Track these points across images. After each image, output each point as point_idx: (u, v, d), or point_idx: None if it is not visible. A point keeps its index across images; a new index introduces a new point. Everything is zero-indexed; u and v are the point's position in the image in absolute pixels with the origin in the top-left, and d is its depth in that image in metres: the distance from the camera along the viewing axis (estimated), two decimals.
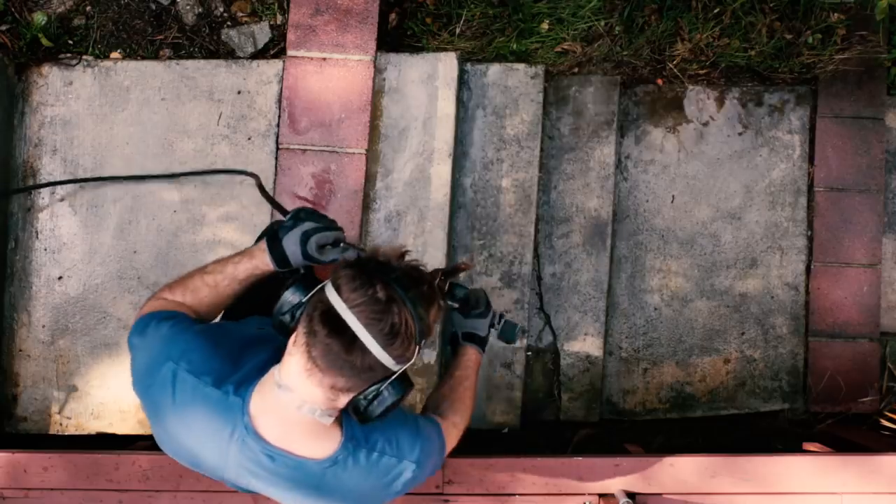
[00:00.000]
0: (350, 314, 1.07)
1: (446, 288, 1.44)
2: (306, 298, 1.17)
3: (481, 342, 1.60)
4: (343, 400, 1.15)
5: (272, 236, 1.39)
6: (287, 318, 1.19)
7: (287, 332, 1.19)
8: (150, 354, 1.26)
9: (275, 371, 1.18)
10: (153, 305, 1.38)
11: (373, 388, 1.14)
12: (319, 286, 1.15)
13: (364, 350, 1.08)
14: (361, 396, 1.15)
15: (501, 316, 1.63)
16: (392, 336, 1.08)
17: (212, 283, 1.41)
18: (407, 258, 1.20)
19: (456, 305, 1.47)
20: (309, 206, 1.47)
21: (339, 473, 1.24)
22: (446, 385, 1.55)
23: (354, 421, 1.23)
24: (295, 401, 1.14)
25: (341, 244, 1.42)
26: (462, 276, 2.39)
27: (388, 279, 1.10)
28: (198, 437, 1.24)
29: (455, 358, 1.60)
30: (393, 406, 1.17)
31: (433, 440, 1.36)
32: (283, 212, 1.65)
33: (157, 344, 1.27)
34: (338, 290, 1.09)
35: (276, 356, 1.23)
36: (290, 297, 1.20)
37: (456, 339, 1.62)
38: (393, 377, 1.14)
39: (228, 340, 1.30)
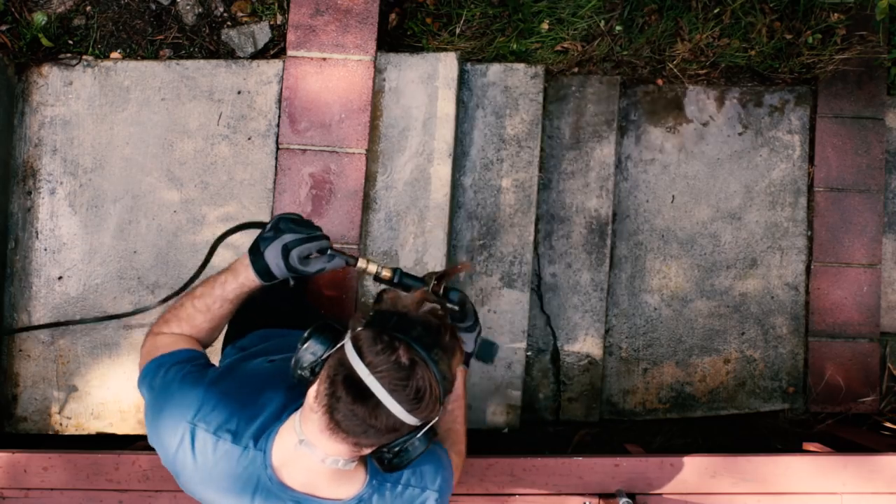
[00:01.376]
0: (373, 380, 1.06)
1: (441, 292, 1.41)
2: (325, 356, 1.14)
3: (467, 358, 1.57)
4: (367, 451, 1.15)
5: (254, 249, 1.34)
6: (307, 373, 1.17)
7: (307, 384, 1.17)
8: (164, 412, 1.26)
9: (294, 423, 1.17)
10: (154, 343, 1.36)
11: (397, 442, 1.14)
12: (339, 345, 1.12)
13: (388, 414, 1.07)
14: (385, 450, 1.15)
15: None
16: (417, 401, 1.08)
17: (203, 308, 1.38)
18: (426, 299, 1.16)
19: (456, 308, 1.45)
20: (292, 212, 1.41)
21: None
22: (441, 420, 1.52)
23: None
24: (318, 454, 1.14)
25: (328, 252, 1.36)
26: (462, 276, 2.38)
27: (409, 339, 1.08)
28: (224, 493, 1.25)
29: None
30: (417, 458, 1.17)
31: (449, 469, 1.37)
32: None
33: (170, 401, 1.26)
34: (359, 352, 1.08)
35: (291, 396, 1.23)
36: (310, 350, 1.16)
37: None
38: (419, 433, 1.14)
39: (242, 386, 1.28)
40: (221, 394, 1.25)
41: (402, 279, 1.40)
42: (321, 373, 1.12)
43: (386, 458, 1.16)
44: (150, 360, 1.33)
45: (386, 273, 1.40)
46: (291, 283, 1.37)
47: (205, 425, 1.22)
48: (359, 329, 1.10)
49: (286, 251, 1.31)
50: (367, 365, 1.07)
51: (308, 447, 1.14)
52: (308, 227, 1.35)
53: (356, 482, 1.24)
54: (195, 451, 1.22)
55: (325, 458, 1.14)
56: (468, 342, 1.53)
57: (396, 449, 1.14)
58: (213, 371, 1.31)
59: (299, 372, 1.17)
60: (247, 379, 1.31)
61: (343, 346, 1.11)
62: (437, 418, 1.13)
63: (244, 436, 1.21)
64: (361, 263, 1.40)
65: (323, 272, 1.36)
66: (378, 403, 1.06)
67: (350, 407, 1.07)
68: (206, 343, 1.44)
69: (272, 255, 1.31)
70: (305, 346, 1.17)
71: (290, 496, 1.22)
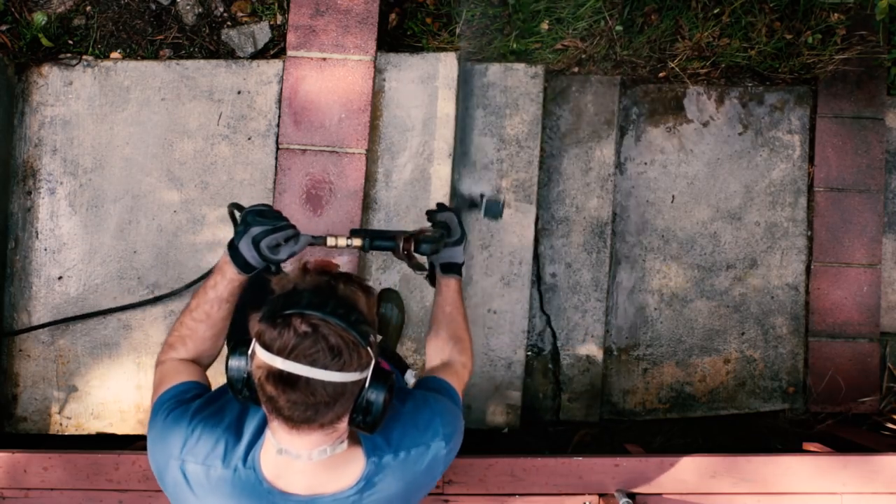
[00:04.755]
0: (289, 363, 1.07)
1: (412, 248, 1.46)
2: (249, 366, 1.16)
3: (459, 269, 1.59)
4: (342, 425, 1.15)
5: (231, 245, 1.40)
6: (246, 391, 1.18)
7: (257, 401, 1.17)
8: (157, 455, 1.28)
9: (268, 436, 1.18)
10: (160, 373, 1.38)
11: (358, 404, 1.14)
12: (251, 349, 1.14)
13: (324, 384, 1.07)
14: (355, 414, 1.15)
15: (482, 196, 1.59)
16: (337, 357, 1.08)
17: (203, 317, 1.41)
18: (308, 267, 1.19)
19: (425, 269, 1.47)
20: (261, 203, 1.47)
21: (377, 486, 1.24)
22: (442, 327, 1.54)
23: None
24: (301, 455, 1.15)
25: (292, 239, 1.41)
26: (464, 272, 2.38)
27: (299, 310, 1.09)
28: None
29: (439, 294, 1.58)
30: (387, 401, 1.16)
31: (448, 406, 1.35)
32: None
33: (159, 443, 1.28)
34: (265, 346, 1.09)
35: None
36: (235, 369, 1.19)
37: (433, 271, 1.60)
38: (368, 384, 1.14)
39: (224, 412, 1.29)
40: (204, 421, 1.26)
41: (373, 243, 1.46)
42: (255, 386, 1.14)
43: (360, 422, 1.15)
44: (156, 397, 1.35)
45: (356, 242, 1.45)
46: (273, 269, 1.42)
47: (192, 458, 1.23)
48: (257, 327, 1.12)
49: (255, 243, 1.36)
50: (277, 353, 1.07)
51: (288, 454, 1.15)
52: (274, 217, 1.39)
53: (357, 463, 1.23)
54: (191, 485, 1.23)
55: (310, 455, 1.14)
56: (458, 256, 1.57)
57: (362, 408, 1.14)
58: (197, 401, 1.32)
59: (241, 397, 1.19)
60: (228, 404, 1.31)
61: (253, 350, 1.13)
62: (373, 361, 1.13)
63: (232, 458, 1.22)
64: (330, 241, 1.45)
65: (294, 256, 1.40)
66: (307, 381, 1.06)
67: (288, 398, 1.07)
68: (212, 355, 1.46)
69: (245, 248, 1.36)
70: (228, 369, 1.19)
71: (297, 501, 1.21)
